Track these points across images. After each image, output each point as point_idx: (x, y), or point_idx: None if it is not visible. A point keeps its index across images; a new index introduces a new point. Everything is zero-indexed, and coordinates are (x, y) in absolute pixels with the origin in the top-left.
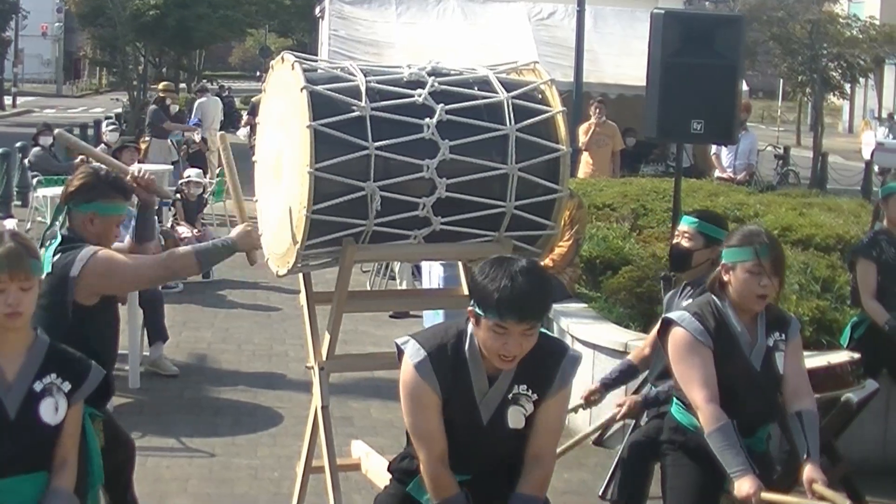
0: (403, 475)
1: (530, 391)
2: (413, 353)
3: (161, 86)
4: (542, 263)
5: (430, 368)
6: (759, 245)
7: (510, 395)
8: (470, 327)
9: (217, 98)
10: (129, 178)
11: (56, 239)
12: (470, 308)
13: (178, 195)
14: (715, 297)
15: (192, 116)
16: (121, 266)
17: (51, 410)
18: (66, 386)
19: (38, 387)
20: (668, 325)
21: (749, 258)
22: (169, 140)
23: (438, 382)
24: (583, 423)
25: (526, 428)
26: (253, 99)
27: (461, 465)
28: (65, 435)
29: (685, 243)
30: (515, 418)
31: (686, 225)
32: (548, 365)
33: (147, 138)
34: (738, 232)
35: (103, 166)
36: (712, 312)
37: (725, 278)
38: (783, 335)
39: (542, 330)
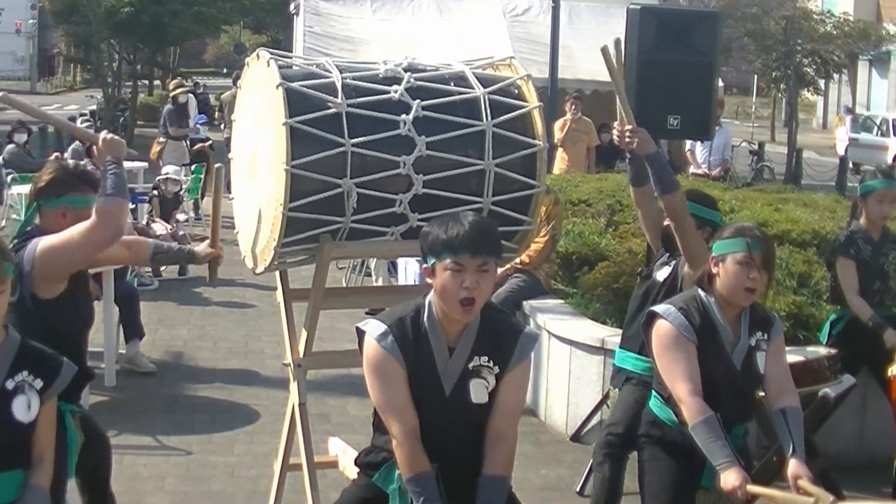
0: (369, 468)
1: (491, 363)
2: (374, 329)
3: (172, 84)
4: (518, 259)
5: (393, 341)
6: (750, 238)
7: (471, 367)
8: (427, 299)
9: (191, 95)
10: (100, 142)
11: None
12: (424, 266)
13: (155, 191)
14: (701, 292)
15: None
16: (62, 244)
17: (23, 408)
18: (38, 383)
19: (10, 385)
20: (652, 317)
21: (740, 249)
22: (184, 142)
23: (402, 354)
24: (560, 419)
25: (489, 406)
26: (223, 95)
27: (430, 451)
28: (39, 432)
29: None
30: (478, 392)
31: None
32: (506, 338)
33: (162, 140)
34: (729, 226)
35: (72, 161)
36: (698, 308)
37: (714, 271)
38: (766, 335)
39: (493, 304)
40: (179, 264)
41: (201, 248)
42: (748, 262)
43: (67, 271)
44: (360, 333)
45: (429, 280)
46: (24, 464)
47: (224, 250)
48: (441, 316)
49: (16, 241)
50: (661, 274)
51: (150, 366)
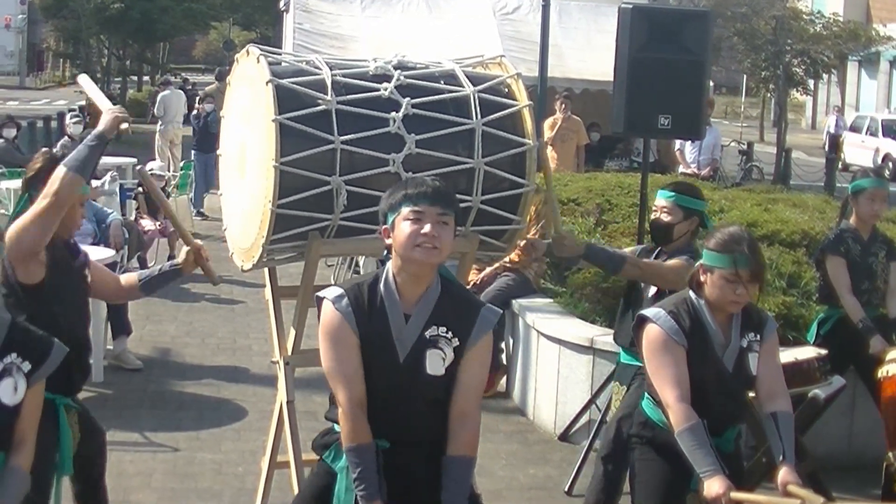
0: (322, 449)
1: (450, 334)
2: (331, 293)
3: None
4: (507, 258)
5: (347, 304)
6: (738, 255)
7: (428, 335)
8: (386, 266)
9: (180, 91)
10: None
11: None
12: (384, 227)
13: (140, 188)
14: (692, 294)
15: (155, 110)
16: (25, 222)
17: (9, 391)
18: (27, 366)
19: None
20: (643, 321)
21: (726, 266)
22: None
23: (356, 318)
24: (548, 418)
25: (447, 379)
26: (207, 88)
27: (381, 426)
28: (23, 414)
29: (665, 217)
30: (434, 363)
31: (664, 199)
32: (466, 310)
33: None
34: (720, 233)
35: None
36: (688, 311)
37: (702, 279)
38: (758, 335)
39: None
40: (171, 280)
41: (181, 255)
42: (735, 279)
43: (32, 248)
44: (319, 300)
45: (387, 240)
46: (6, 446)
47: (207, 248)
48: (399, 282)
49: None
50: (650, 291)
51: (137, 363)
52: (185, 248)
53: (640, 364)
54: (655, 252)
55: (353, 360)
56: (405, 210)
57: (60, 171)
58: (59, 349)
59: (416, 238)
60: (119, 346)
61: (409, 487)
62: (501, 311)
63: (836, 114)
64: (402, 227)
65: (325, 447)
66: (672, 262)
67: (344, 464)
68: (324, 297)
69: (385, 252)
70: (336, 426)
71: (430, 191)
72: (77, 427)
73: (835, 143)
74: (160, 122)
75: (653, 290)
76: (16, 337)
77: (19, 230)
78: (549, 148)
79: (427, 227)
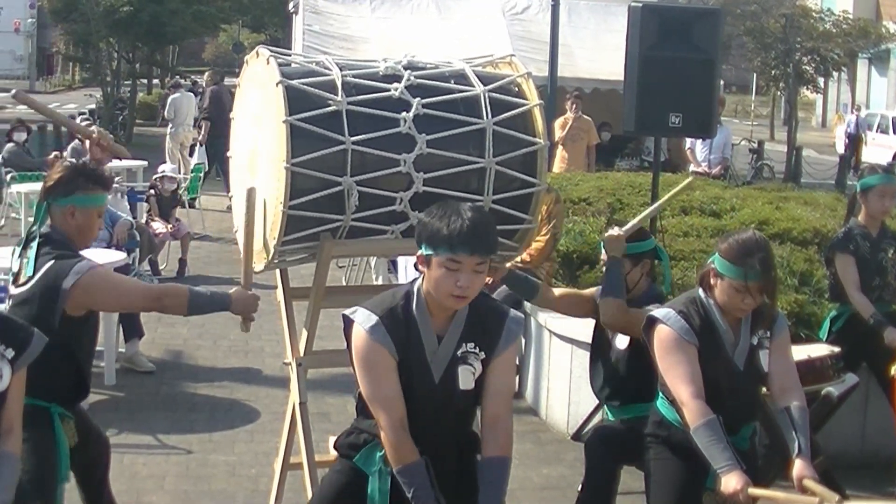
0: (350, 450)
1: (478, 349)
2: (364, 319)
3: None
4: (519, 258)
5: (384, 331)
6: (749, 269)
7: (459, 353)
8: (416, 287)
9: (190, 94)
10: (95, 136)
11: (37, 240)
12: (419, 253)
13: (152, 190)
14: (702, 293)
15: (165, 112)
16: (113, 287)
17: None
18: (10, 353)
19: None
20: (653, 322)
21: (737, 278)
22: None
23: (394, 344)
24: (560, 417)
25: (476, 390)
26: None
27: (417, 440)
28: (9, 402)
29: None
30: (465, 378)
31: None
32: (493, 323)
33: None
34: (734, 240)
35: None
36: (697, 311)
37: (712, 282)
38: (768, 332)
39: (484, 292)
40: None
41: (236, 291)
42: (744, 291)
43: (98, 308)
44: (348, 322)
45: (421, 267)
46: None
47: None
48: (430, 303)
49: (45, 244)
50: (621, 342)
51: (149, 365)
52: (238, 289)
53: (627, 417)
54: None
55: (392, 383)
56: (443, 256)
57: (183, 293)
58: (40, 338)
59: (450, 288)
60: (131, 349)
61: (442, 493)
62: (523, 317)
63: (856, 112)
64: (438, 272)
65: (352, 448)
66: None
67: (377, 467)
68: (354, 322)
69: (416, 265)
70: (362, 431)
71: (470, 237)
72: (73, 432)
73: (854, 143)
74: (170, 125)
75: (625, 341)
76: None
77: (106, 288)
78: (560, 147)
79: (462, 280)
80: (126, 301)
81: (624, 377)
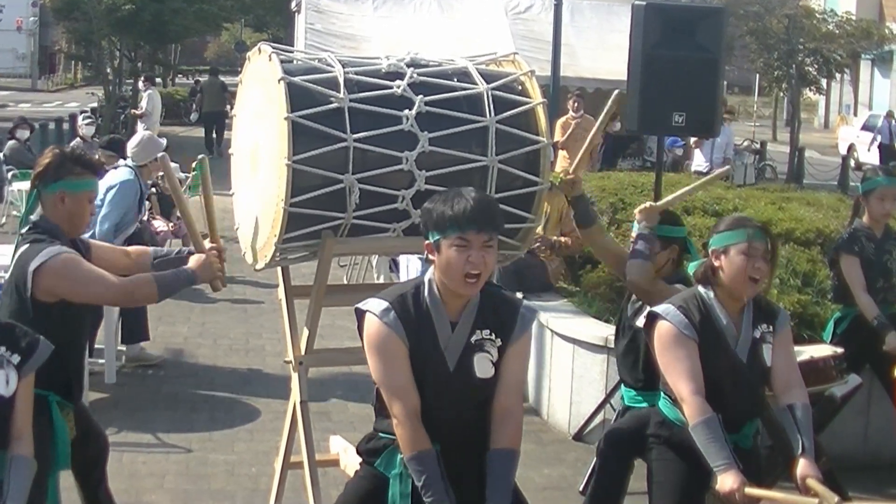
0: (372, 455)
1: (493, 335)
2: (375, 306)
3: None
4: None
5: (395, 317)
6: (751, 228)
7: (473, 341)
8: (427, 276)
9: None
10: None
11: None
12: (427, 243)
13: (154, 189)
14: (701, 289)
15: (145, 106)
16: (79, 276)
17: (2, 383)
18: (16, 358)
19: None
20: (653, 318)
21: (742, 239)
22: None
23: (404, 330)
24: (562, 418)
25: (495, 381)
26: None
27: (433, 430)
28: (18, 407)
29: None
30: (482, 366)
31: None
32: (506, 311)
33: None
34: (726, 219)
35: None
36: (697, 306)
37: (716, 264)
38: (770, 327)
39: (493, 282)
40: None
41: (193, 262)
42: (752, 253)
43: (66, 296)
44: (361, 313)
45: (430, 256)
46: (4, 443)
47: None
48: (442, 292)
49: (30, 231)
50: (641, 320)
51: (157, 356)
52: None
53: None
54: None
55: (404, 371)
56: (452, 237)
57: (148, 280)
58: (45, 345)
59: (462, 267)
60: (133, 350)
61: (457, 486)
62: (537, 309)
63: (888, 119)
64: (448, 253)
65: (373, 453)
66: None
67: (398, 470)
68: (367, 311)
69: (426, 256)
70: (382, 434)
71: (477, 215)
72: (73, 424)
73: (889, 153)
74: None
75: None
76: (2, 332)
77: (71, 276)
78: (562, 149)
79: (473, 256)
80: (94, 291)
81: (643, 358)
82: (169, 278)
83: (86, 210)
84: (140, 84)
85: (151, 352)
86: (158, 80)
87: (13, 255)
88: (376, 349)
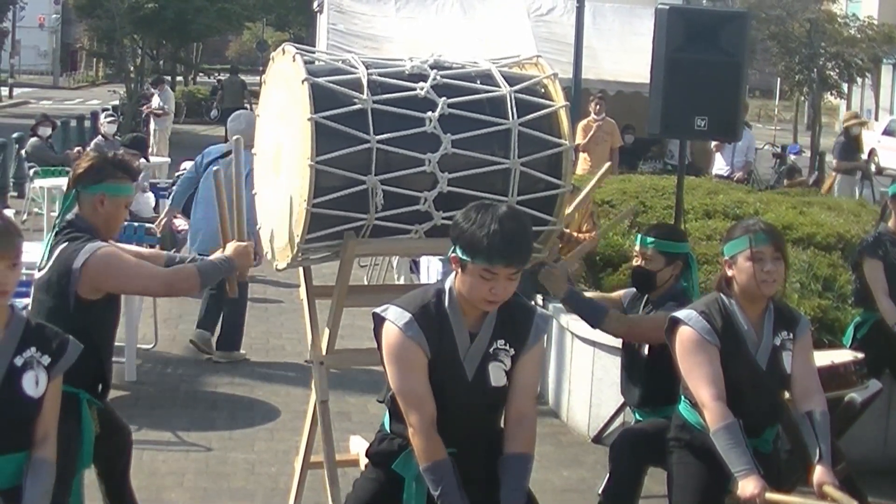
0: (385, 457)
1: (507, 345)
2: (397, 316)
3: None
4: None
5: (418, 328)
6: (753, 233)
7: (490, 350)
8: (447, 284)
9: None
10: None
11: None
12: (453, 255)
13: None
14: (722, 295)
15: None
16: (123, 268)
17: (32, 384)
18: (46, 359)
19: (18, 361)
20: (675, 324)
21: (746, 246)
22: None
23: (427, 342)
24: (581, 420)
25: (506, 388)
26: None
27: (446, 437)
28: (45, 409)
29: (646, 265)
30: (497, 375)
31: (643, 246)
32: (522, 320)
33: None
34: (731, 227)
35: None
36: (719, 311)
37: (730, 273)
38: (791, 334)
39: None
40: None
41: (232, 249)
42: (759, 257)
43: (110, 290)
44: (380, 320)
45: (454, 266)
46: (28, 445)
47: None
48: (462, 303)
49: (66, 230)
50: (644, 347)
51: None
52: (241, 244)
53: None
54: (644, 299)
55: (423, 381)
56: (479, 266)
57: (191, 271)
58: (75, 345)
59: (485, 295)
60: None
61: (469, 490)
62: (551, 316)
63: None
64: (473, 279)
65: (388, 455)
66: (654, 317)
67: (415, 472)
68: (386, 319)
69: (450, 263)
70: (397, 436)
71: (506, 247)
72: (97, 422)
73: None
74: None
75: (646, 346)
76: (33, 332)
77: (116, 268)
78: (583, 152)
79: (496, 288)
80: (139, 283)
81: (650, 383)
82: (210, 268)
83: (121, 214)
84: (153, 89)
85: (239, 351)
86: (179, 77)
87: (47, 253)
88: (396, 359)
